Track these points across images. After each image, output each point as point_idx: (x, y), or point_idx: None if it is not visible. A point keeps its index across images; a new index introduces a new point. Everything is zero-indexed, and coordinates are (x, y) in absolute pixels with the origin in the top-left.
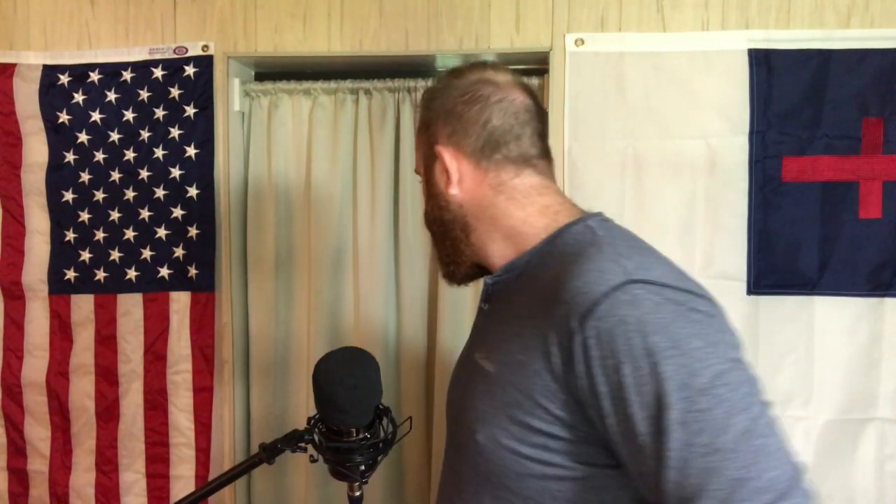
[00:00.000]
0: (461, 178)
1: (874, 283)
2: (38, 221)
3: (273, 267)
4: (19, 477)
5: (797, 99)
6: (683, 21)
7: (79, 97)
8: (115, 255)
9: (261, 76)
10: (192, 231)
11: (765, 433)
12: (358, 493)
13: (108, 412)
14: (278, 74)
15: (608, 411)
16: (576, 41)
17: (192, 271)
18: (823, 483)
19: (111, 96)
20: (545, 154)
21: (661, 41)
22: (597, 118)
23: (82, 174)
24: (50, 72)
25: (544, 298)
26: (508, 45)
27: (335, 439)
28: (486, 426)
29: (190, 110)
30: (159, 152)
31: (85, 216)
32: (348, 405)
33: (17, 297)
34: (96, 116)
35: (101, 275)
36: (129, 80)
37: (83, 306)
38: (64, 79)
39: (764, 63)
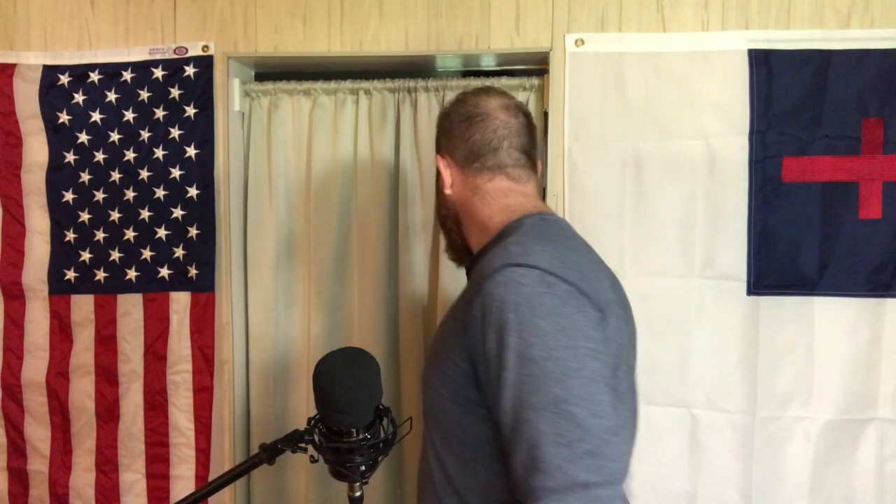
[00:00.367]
0: (453, 182)
1: (874, 284)
2: (38, 221)
3: (273, 267)
4: (19, 477)
5: (797, 99)
6: (683, 21)
7: (79, 97)
8: (115, 255)
9: (261, 76)
10: (192, 231)
11: (576, 404)
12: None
13: (108, 412)
14: (278, 74)
15: (481, 368)
16: (576, 41)
17: (192, 271)
18: (823, 483)
19: (111, 96)
20: (522, 163)
21: (661, 41)
22: (597, 118)
23: (82, 174)
24: (50, 72)
25: (474, 279)
26: (508, 46)
27: (335, 440)
28: (429, 374)
29: (190, 110)
30: (159, 152)
31: (85, 216)
32: (348, 405)
33: (17, 297)
34: (96, 116)
35: (101, 275)
36: (129, 80)
37: (83, 306)
38: (64, 79)
39: (764, 63)
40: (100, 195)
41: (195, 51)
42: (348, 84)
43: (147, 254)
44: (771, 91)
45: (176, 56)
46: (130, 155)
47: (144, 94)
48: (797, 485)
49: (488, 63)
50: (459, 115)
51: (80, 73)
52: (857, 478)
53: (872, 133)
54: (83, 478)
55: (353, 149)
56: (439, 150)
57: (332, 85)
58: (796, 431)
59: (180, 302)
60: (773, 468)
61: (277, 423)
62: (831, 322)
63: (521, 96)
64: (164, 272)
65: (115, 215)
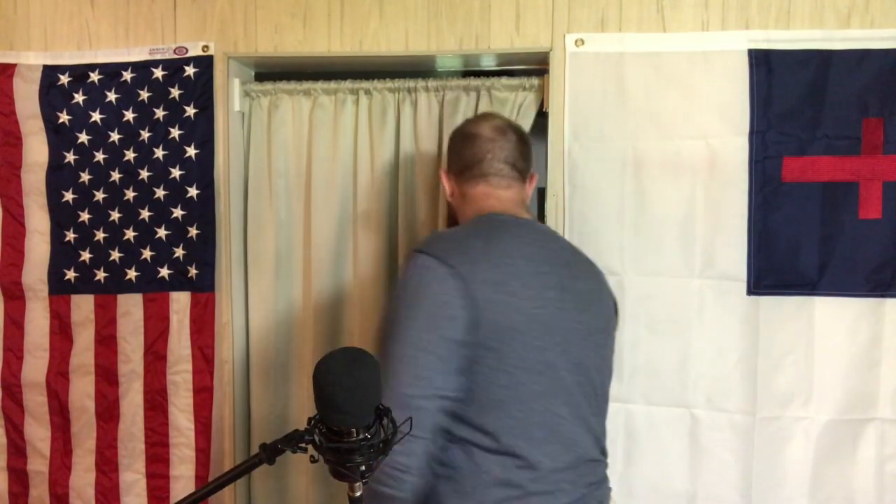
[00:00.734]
0: (451, 190)
1: (874, 284)
2: (38, 221)
3: (273, 267)
4: (19, 477)
5: (797, 99)
6: (683, 21)
7: (79, 97)
8: (115, 255)
9: (261, 76)
10: (192, 231)
11: (396, 358)
12: (358, 494)
13: (108, 412)
14: (278, 74)
15: None
16: (576, 41)
17: (192, 271)
18: (823, 483)
19: (111, 96)
20: (504, 173)
21: (661, 41)
22: (597, 118)
23: (82, 174)
24: (50, 72)
25: None
26: (508, 46)
27: (335, 440)
28: None
29: (190, 110)
30: (159, 152)
31: (85, 216)
32: (348, 406)
33: (17, 297)
34: (96, 117)
35: (101, 275)
36: (129, 80)
37: (83, 306)
38: (64, 79)
39: (764, 63)
40: (100, 195)
41: (195, 51)
42: (348, 84)
43: (147, 254)
44: (771, 91)
45: (176, 56)
46: (130, 155)
47: (144, 94)
48: (797, 485)
49: (488, 63)
50: (457, 135)
51: (80, 73)
52: (857, 478)
53: (872, 133)
54: (83, 478)
55: (353, 149)
56: (443, 166)
57: (332, 85)
58: (796, 431)
59: (180, 302)
60: (773, 468)
61: (278, 423)
62: (831, 322)
63: (520, 96)
64: (164, 272)
65: (115, 215)
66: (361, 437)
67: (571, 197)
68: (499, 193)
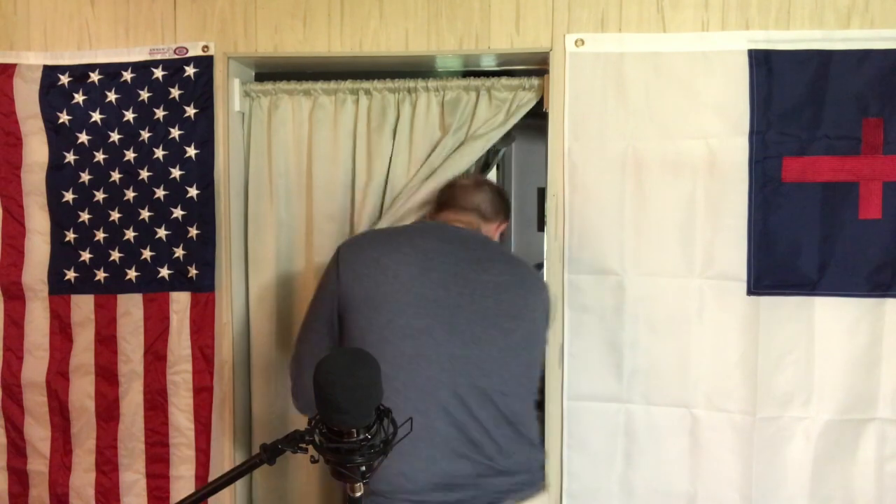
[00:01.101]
0: (435, 216)
1: (874, 284)
2: (38, 221)
3: (273, 267)
4: (19, 477)
5: (797, 99)
6: (683, 21)
7: (79, 97)
8: (115, 255)
9: (261, 76)
10: (192, 231)
11: (306, 321)
12: (358, 494)
13: (108, 412)
14: (278, 75)
15: None
16: (576, 41)
17: (192, 271)
18: (823, 483)
19: (111, 97)
20: (468, 209)
21: (661, 42)
22: (597, 118)
23: (82, 174)
24: (50, 72)
25: None
26: (508, 46)
27: (336, 440)
28: None
29: (190, 110)
30: (159, 152)
31: (85, 216)
32: (348, 406)
33: (17, 297)
34: (96, 117)
35: (101, 275)
36: (129, 80)
37: (83, 306)
38: (64, 79)
39: (764, 63)
40: (100, 195)
41: (195, 51)
42: (348, 84)
43: (147, 254)
44: (771, 91)
45: (176, 56)
46: (130, 155)
47: (144, 95)
48: (797, 485)
49: (488, 63)
50: (445, 186)
51: (80, 73)
52: (857, 478)
53: (872, 133)
54: (83, 478)
55: (352, 149)
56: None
57: (332, 85)
58: (796, 431)
59: (180, 302)
60: (773, 468)
61: (278, 423)
62: (831, 322)
63: (520, 96)
64: (164, 272)
65: (115, 215)
66: (362, 437)
67: (571, 197)
68: (458, 217)
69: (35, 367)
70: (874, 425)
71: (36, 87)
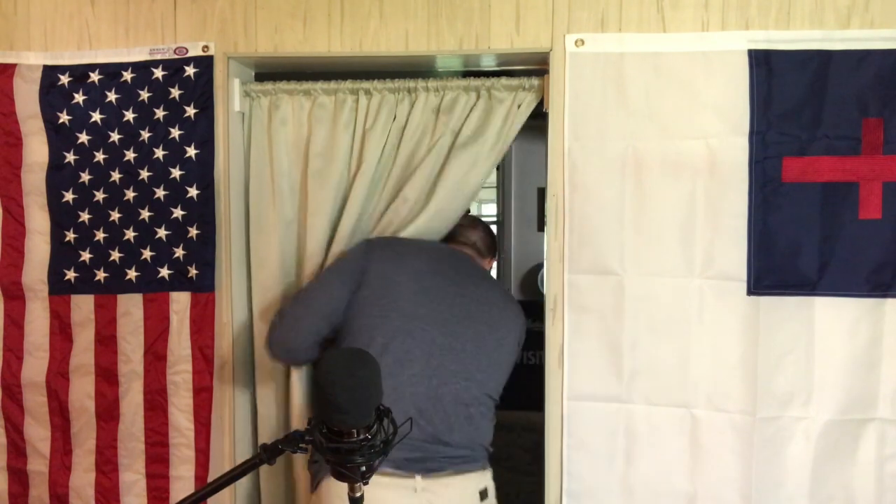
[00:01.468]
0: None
1: (874, 284)
2: (38, 221)
3: (273, 267)
4: (19, 477)
5: (797, 99)
6: (683, 21)
7: (79, 97)
8: (116, 255)
9: (261, 76)
10: (192, 231)
11: (312, 287)
12: (358, 494)
13: (108, 412)
14: (278, 75)
15: None
16: (576, 41)
17: (192, 271)
18: (823, 483)
19: (111, 97)
20: (466, 244)
21: (662, 42)
22: (597, 118)
23: (82, 174)
24: (50, 72)
25: None
26: (508, 46)
27: (336, 440)
28: None
29: (190, 110)
30: (159, 152)
31: (85, 216)
32: (348, 406)
33: (17, 297)
34: (96, 117)
35: (101, 275)
36: (129, 80)
37: (83, 306)
38: (64, 79)
39: (764, 64)
40: (100, 195)
41: (195, 51)
42: (348, 84)
43: (147, 254)
44: (771, 91)
45: (176, 56)
46: (130, 155)
47: (144, 95)
48: (797, 485)
49: (488, 63)
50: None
51: (80, 73)
52: (857, 478)
53: (872, 133)
54: (83, 478)
55: (352, 149)
56: None
57: (332, 85)
58: (796, 431)
59: (180, 302)
60: (773, 468)
61: (279, 423)
62: (831, 322)
63: (520, 96)
64: (164, 272)
65: (115, 215)
66: (362, 437)
67: (571, 197)
68: (460, 249)
69: (35, 367)
70: (874, 425)
71: (36, 87)
